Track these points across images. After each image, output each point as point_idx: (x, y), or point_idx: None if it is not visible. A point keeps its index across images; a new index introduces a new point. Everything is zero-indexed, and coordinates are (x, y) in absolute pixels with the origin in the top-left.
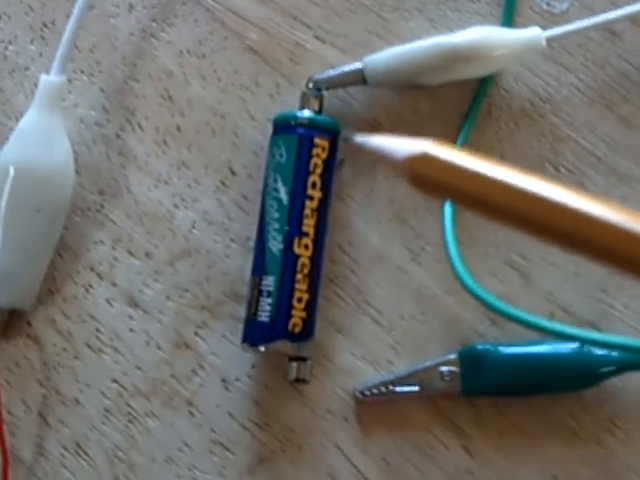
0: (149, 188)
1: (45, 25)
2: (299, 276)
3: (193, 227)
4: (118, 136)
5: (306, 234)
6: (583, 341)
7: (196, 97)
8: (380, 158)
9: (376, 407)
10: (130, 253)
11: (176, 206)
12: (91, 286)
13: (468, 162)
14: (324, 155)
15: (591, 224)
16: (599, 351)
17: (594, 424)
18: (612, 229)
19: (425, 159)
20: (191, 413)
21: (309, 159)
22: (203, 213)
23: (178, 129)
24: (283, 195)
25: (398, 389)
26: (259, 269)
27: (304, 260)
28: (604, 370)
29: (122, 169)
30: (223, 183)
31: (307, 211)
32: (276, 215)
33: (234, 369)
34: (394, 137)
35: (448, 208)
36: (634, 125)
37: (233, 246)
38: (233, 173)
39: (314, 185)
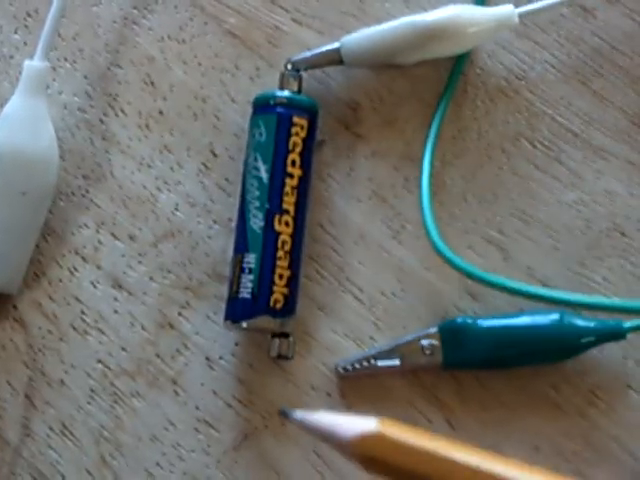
0: (132, 172)
1: (29, 14)
2: (280, 253)
3: (176, 209)
4: (101, 121)
5: (287, 211)
6: (567, 304)
7: (177, 81)
8: (323, 437)
9: (359, 382)
10: (114, 236)
11: (159, 189)
12: (76, 269)
13: (421, 441)
14: (303, 134)
15: None
16: (578, 322)
17: (576, 396)
18: None
19: (377, 440)
20: (176, 392)
21: (288, 137)
22: (186, 195)
23: (160, 113)
24: (263, 174)
25: (380, 364)
26: (241, 247)
27: (285, 237)
28: (584, 341)
29: (106, 154)
30: (205, 165)
31: (287, 189)
32: (257, 193)
33: (218, 348)
34: (335, 415)
35: (426, 185)
36: (608, 100)
37: (215, 227)
38: (215, 155)
39: (294, 163)
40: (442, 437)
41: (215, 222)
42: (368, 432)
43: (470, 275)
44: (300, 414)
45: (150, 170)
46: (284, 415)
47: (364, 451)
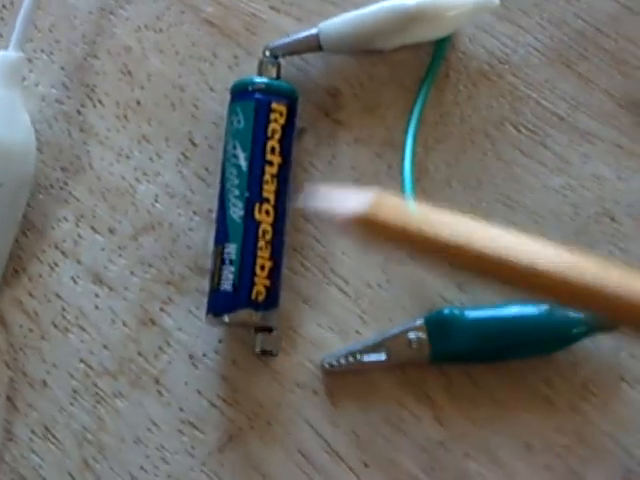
0: (111, 163)
1: (4, 6)
2: (261, 243)
3: (156, 201)
4: (79, 112)
5: (267, 200)
6: None
7: (155, 71)
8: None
9: (345, 378)
10: (94, 229)
11: (138, 180)
12: (56, 264)
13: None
14: (282, 120)
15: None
16: (569, 312)
17: (568, 390)
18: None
19: (378, 206)
20: (159, 392)
21: (267, 124)
22: (165, 186)
23: (138, 103)
24: (242, 161)
25: (366, 359)
26: (221, 237)
27: (265, 226)
28: (575, 331)
29: (84, 145)
30: (184, 155)
31: (267, 177)
32: (236, 182)
33: (201, 345)
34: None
35: (408, 172)
36: (593, 82)
37: (196, 219)
38: (194, 145)
39: (273, 150)
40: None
41: (195, 213)
42: (368, 200)
43: None
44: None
45: (129, 161)
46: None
47: (365, 219)
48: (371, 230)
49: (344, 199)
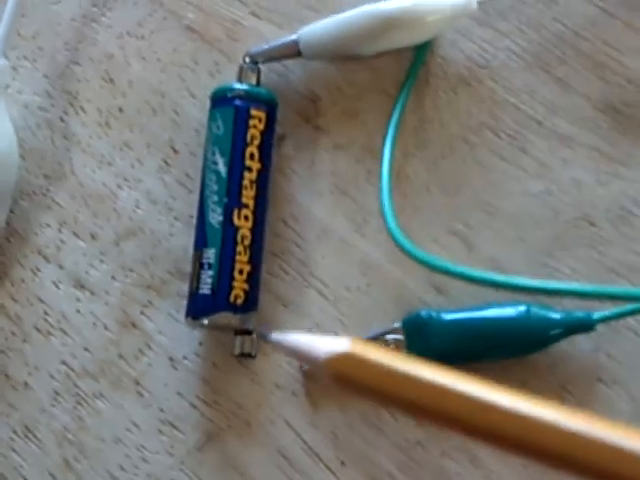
0: (93, 170)
1: None
2: (240, 248)
3: (137, 207)
4: (62, 120)
5: (246, 205)
6: (533, 291)
7: (136, 78)
8: (298, 357)
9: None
10: (76, 235)
11: (120, 187)
12: (38, 269)
13: (392, 362)
14: (261, 126)
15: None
16: (546, 313)
17: (545, 392)
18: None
19: (347, 359)
20: (139, 393)
21: (246, 130)
22: (147, 193)
23: (120, 110)
24: (221, 167)
25: None
26: (200, 242)
27: (244, 232)
28: (552, 333)
29: (66, 152)
30: (165, 162)
31: (246, 182)
32: (215, 188)
33: (181, 347)
34: (311, 335)
35: (386, 177)
36: (572, 87)
37: (177, 224)
38: (175, 151)
39: (252, 156)
40: (416, 360)
41: (176, 219)
42: (338, 352)
43: (430, 266)
44: (276, 335)
45: (110, 168)
46: (261, 336)
47: (335, 370)
48: (339, 382)
49: (313, 346)
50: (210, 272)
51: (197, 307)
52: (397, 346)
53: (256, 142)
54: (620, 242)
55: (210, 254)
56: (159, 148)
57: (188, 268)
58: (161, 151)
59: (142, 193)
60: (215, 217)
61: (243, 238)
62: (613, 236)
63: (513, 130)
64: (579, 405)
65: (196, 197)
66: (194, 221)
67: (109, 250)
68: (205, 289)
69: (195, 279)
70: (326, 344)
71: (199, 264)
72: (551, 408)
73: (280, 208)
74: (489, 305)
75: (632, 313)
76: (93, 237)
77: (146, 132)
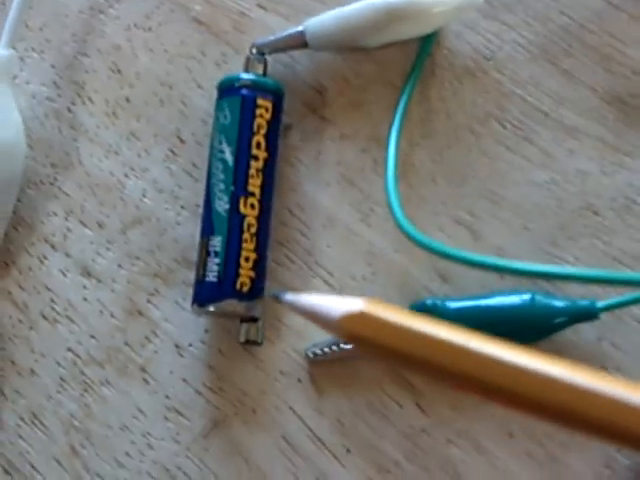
0: (100, 159)
1: None
2: (246, 235)
3: (144, 196)
4: (69, 110)
5: (252, 194)
6: (537, 275)
7: (144, 69)
8: (312, 317)
9: (329, 367)
10: (83, 224)
11: (127, 176)
12: (45, 257)
13: (406, 320)
14: (268, 116)
15: (531, 379)
16: (550, 302)
17: None
18: (549, 383)
19: (361, 318)
20: (145, 380)
21: (252, 119)
22: (153, 182)
23: (127, 100)
24: (228, 156)
25: (349, 347)
26: (207, 230)
27: (250, 220)
28: (556, 321)
29: (73, 142)
30: (172, 152)
31: (252, 171)
32: (222, 176)
33: (187, 335)
34: (326, 296)
35: (391, 166)
36: (577, 78)
37: (184, 213)
38: (182, 141)
39: (259, 145)
40: (431, 319)
41: (183, 208)
42: (353, 311)
43: (435, 251)
44: (290, 296)
45: (117, 157)
46: (275, 298)
47: (349, 330)
48: (354, 342)
49: (327, 307)
50: (217, 260)
51: (203, 294)
52: None
53: (263, 131)
54: (624, 231)
55: (216, 242)
56: (166, 138)
57: (194, 256)
58: (168, 141)
59: (149, 182)
60: (222, 205)
61: (249, 226)
62: (617, 226)
63: (518, 121)
64: None
65: (202, 186)
66: (200, 210)
67: (116, 238)
68: (211, 276)
69: (201, 266)
70: (341, 304)
71: (205, 252)
72: (567, 367)
73: (286, 197)
74: (494, 294)
75: (636, 301)
76: (100, 226)
77: (153, 122)
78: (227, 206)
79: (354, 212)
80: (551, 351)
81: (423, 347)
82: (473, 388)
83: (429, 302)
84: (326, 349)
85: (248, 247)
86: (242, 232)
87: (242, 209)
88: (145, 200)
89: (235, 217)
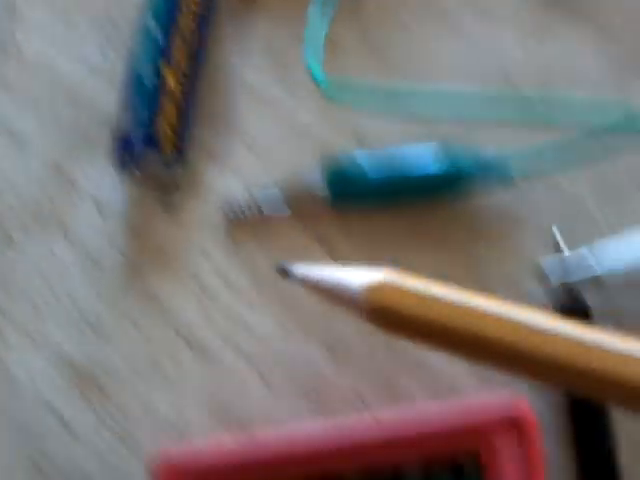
0: (35, 42)
1: None
2: (170, 105)
3: (78, 78)
4: None
5: (178, 67)
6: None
7: None
8: (328, 293)
9: (248, 225)
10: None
11: (61, 56)
12: None
13: (429, 288)
14: None
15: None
16: (461, 152)
17: (462, 233)
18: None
19: (385, 288)
20: (65, 235)
21: None
22: (88, 66)
23: None
24: (155, 31)
25: (267, 204)
26: (134, 101)
27: (176, 91)
28: (465, 170)
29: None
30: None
31: (179, 43)
32: (149, 50)
33: (110, 196)
34: (338, 269)
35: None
36: None
37: (112, 90)
38: (116, 27)
39: (187, 23)
40: (449, 285)
41: (110, 83)
42: (376, 282)
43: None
44: (301, 270)
45: (54, 39)
46: (282, 272)
47: (374, 301)
48: (378, 314)
49: (345, 280)
50: (141, 129)
51: (127, 158)
52: (318, 189)
53: (193, 7)
54: None
55: (143, 113)
56: (100, 24)
57: (122, 126)
58: (102, 28)
59: (82, 63)
60: (149, 77)
61: (174, 96)
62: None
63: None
64: (493, 246)
65: (132, 64)
66: (129, 84)
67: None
68: (136, 142)
69: (126, 132)
70: (359, 276)
71: (132, 119)
72: (599, 334)
73: (212, 72)
74: (406, 146)
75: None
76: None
77: (89, 7)
78: (154, 78)
79: (278, 85)
80: (466, 209)
81: (449, 313)
82: (498, 356)
83: (343, 157)
84: (244, 208)
85: (172, 114)
86: (168, 102)
87: (169, 82)
88: (78, 81)
89: (161, 88)
